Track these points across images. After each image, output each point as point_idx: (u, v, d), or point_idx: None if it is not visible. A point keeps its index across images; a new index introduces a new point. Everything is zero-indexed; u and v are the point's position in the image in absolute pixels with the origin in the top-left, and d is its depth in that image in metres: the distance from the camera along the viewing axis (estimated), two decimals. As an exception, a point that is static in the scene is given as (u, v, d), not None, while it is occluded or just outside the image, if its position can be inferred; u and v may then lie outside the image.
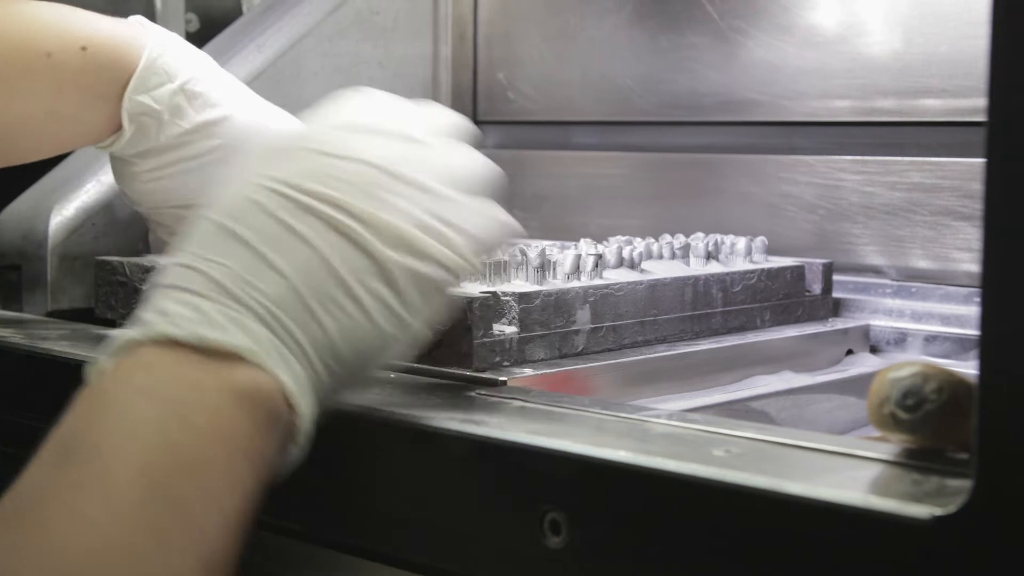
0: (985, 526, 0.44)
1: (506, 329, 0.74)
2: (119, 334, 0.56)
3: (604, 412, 0.62)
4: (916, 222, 0.98)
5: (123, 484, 0.51)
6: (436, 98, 1.22)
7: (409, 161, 0.61)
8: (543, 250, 0.79)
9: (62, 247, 0.92)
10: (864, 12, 1.01)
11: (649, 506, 0.53)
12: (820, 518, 0.48)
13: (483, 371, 0.71)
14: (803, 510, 0.48)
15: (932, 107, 0.99)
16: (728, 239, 0.90)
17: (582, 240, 0.88)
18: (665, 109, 1.13)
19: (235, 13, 1.26)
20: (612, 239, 0.90)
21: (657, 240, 0.89)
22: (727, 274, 0.88)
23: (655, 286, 0.83)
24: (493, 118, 1.24)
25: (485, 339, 0.72)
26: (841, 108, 1.03)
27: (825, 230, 1.01)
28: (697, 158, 1.12)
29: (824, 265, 0.94)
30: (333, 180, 0.59)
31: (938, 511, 0.45)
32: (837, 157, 1.02)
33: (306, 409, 0.57)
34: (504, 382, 0.68)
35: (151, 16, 1.18)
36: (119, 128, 0.83)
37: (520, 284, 0.78)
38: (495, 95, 1.23)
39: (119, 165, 0.86)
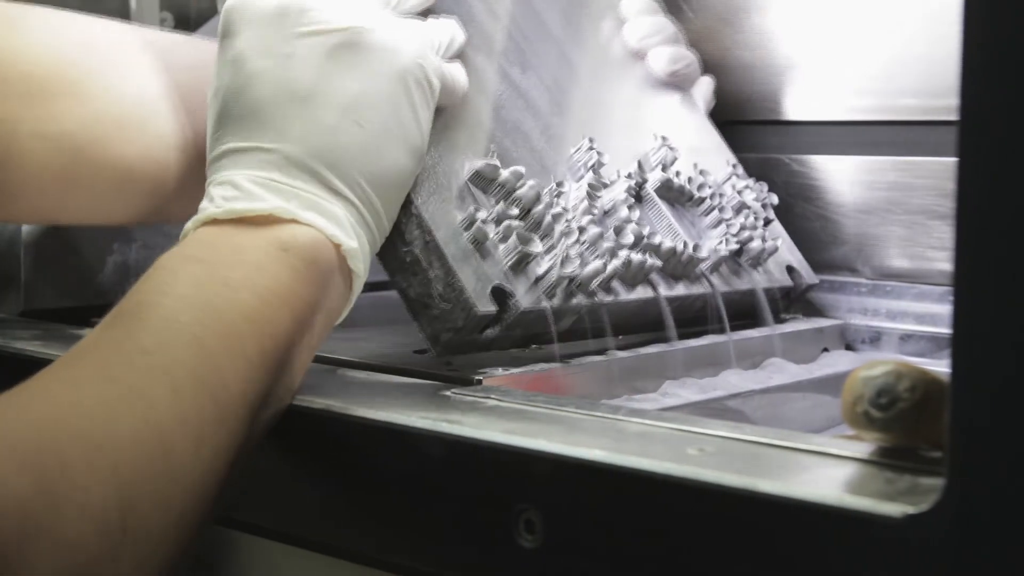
0: (958, 524, 0.45)
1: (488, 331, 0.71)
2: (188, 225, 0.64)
3: (579, 411, 0.62)
4: (891, 221, 0.98)
5: (151, 337, 0.56)
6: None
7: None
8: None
9: (36, 246, 0.92)
10: (840, 11, 1.02)
11: (624, 505, 0.53)
12: (793, 517, 0.48)
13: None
14: (776, 509, 0.48)
15: (908, 106, 0.99)
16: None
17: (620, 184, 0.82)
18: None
19: (210, 12, 1.26)
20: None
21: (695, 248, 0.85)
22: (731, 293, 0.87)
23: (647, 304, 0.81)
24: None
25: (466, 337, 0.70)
26: (817, 107, 1.04)
27: (800, 228, 1.01)
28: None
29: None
30: None
31: (911, 509, 0.45)
32: (813, 156, 1.02)
33: (351, 242, 0.64)
34: (479, 381, 0.68)
35: (125, 14, 1.18)
36: None
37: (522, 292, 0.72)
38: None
39: None
